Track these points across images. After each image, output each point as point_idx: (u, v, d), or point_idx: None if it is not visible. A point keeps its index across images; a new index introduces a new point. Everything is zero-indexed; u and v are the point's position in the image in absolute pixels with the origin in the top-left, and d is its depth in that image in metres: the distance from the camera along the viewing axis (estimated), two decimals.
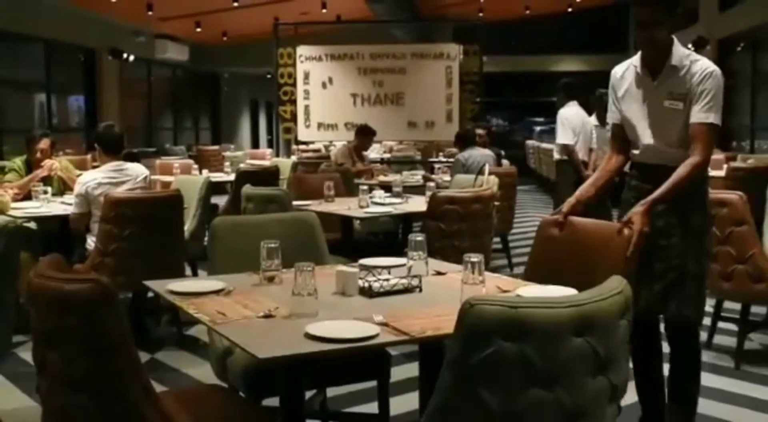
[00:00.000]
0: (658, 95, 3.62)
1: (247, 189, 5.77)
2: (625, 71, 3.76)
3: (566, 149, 7.60)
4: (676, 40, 3.60)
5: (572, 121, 7.65)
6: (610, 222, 3.47)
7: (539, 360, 1.92)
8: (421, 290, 2.94)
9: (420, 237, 3.21)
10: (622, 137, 3.79)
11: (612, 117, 3.85)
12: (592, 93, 8.09)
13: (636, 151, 3.73)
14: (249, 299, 2.81)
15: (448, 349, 1.98)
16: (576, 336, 1.96)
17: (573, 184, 7.22)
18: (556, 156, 7.88)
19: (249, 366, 3.12)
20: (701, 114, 3.51)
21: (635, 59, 3.72)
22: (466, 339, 1.94)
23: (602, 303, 2.01)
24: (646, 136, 3.67)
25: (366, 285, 2.90)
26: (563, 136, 7.63)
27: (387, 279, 2.93)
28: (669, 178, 3.45)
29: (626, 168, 3.92)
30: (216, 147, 18.12)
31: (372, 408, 3.89)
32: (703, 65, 3.56)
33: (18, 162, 6.74)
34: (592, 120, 7.89)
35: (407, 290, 2.92)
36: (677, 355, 3.77)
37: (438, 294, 2.93)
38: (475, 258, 2.67)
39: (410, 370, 4.14)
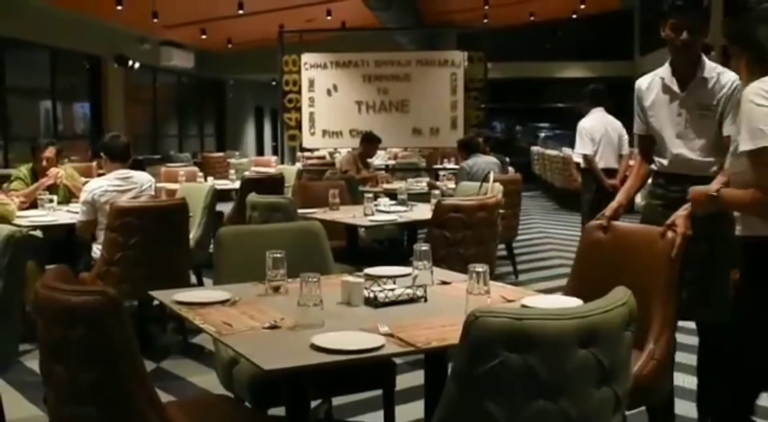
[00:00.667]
0: (687, 105, 3.70)
1: (252, 197, 5.79)
2: (651, 83, 3.85)
3: (585, 159, 7.63)
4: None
5: (591, 130, 7.65)
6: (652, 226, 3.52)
7: (544, 371, 1.93)
8: (426, 300, 2.94)
9: (425, 247, 3.22)
10: (648, 147, 3.87)
11: (638, 128, 3.93)
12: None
13: (663, 161, 3.80)
14: (255, 309, 2.82)
15: (454, 361, 1.99)
16: (581, 348, 1.97)
17: (594, 193, 7.28)
18: (581, 165, 7.90)
19: (255, 376, 3.12)
20: (734, 127, 3.57)
21: (661, 71, 3.80)
22: (471, 350, 1.95)
23: (607, 314, 2.02)
24: (674, 146, 3.74)
25: (371, 295, 2.90)
26: (581, 146, 7.66)
27: (392, 289, 2.94)
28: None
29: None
30: (221, 154, 18.15)
31: (377, 417, 3.89)
32: (730, 77, 3.65)
33: (24, 170, 6.76)
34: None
35: (412, 300, 2.93)
36: (706, 359, 3.90)
37: (443, 304, 2.94)
38: (480, 268, 2.68)
39: (416, 378, 4.13)
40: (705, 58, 3.70)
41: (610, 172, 7.52)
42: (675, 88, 3.72)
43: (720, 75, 3.66)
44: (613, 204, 3.76)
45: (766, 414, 4.39)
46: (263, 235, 3.82)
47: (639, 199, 10.10)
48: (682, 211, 3.40)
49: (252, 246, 3.65)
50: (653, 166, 3.89)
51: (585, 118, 7.80)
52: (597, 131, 7.64)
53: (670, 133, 3.75)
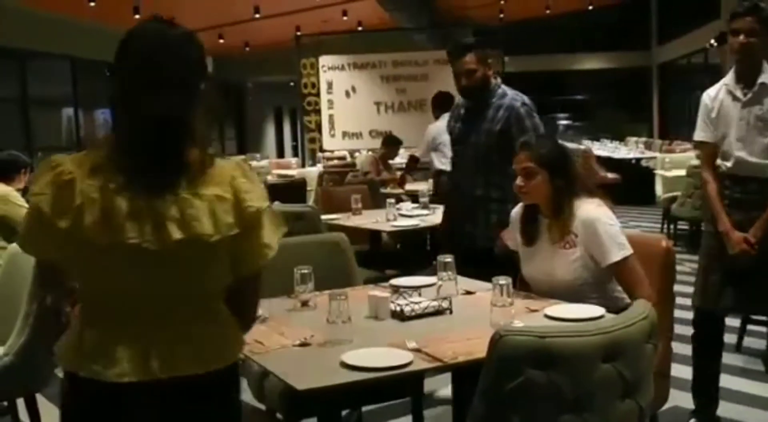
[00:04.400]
0: (748, 110, 3.83)
1: (277, 206, 5.85)
2: (718, 91, 3.98)
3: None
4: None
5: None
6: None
7: (568, 386, 1.99)
8: (451, 312, 3.00)
9: (449, 259, 3.27)
10: (714, 155, 3.96)
11: (705, 136, 3.99)
12: None
13: (728, 163, 3.93)
14: (285, 326, 2.88)
15: (480, 379, 2.05)
16: (603, 363, 2.03)
17: None
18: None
19: (286, 389, 3.19)
20: None
21: (726, 79, 3.94)
22: (496, 369, 2.01)
23: (629, 329, 2.08)
24: (736, 148, 3.87)
25: (398, 308, 2.95)
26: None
27: (418, 303, 2.98)
28: None
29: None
30: (242, 157, 18.24)
31: None
32: None
33: None
34: None
35: (438, 312, 2.98)
36: None
37: (468, 315, 2.99)
38: (504, 280, 2.74)
39: (443, 382, 4.20)
40: (767, 64, 3.83)
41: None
42: (738, 93, 3.87)
43: None
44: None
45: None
46: (289, 248, 3.88)
47: (659, 192, 10.12)
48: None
49: (278, 259, 3.72)
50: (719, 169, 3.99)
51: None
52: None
53: (732, 136, 3.87)
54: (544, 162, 3.26)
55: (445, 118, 6.89)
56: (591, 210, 3.23)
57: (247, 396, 3.76)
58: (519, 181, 3.32)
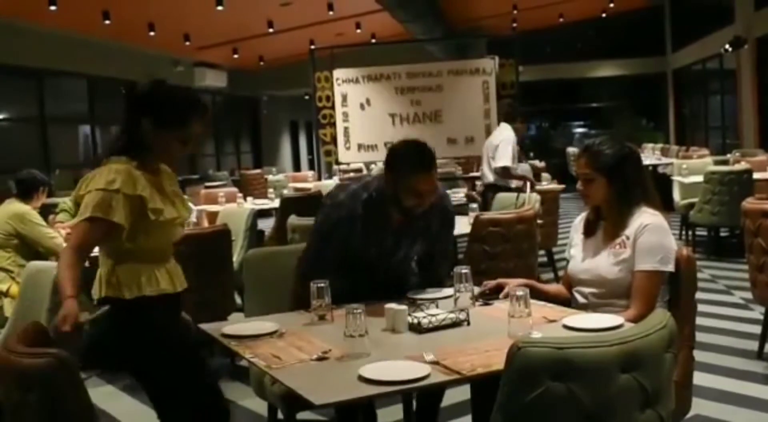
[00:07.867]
0: None
1: (293, 220, 5.87)
2: None
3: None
4: None
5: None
6: None
7: (587, 398, 1.97)
8: (469, 323, 2.98)
9: (465, 270, 3.26)
10: None
11: None
12: None
13: None
14: (302, 340, 2.87)
15: (499, 391, 2.03)
16: (622, 373, 2.01)
17: None
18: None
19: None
20: None
21: None
22: (515, 381, 2.00)
23: (648, 338, 2.06)
24: None
25: (415, 321, 2.94)
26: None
27: (435, 315, 2.97)
28: None
29: None
30: (258, 170, 18.29)
31: None
32: None
33: (69, 202, 6.89)
34: None
35: (455, 324, 2.96)
36: None
37: (486, 326, 2.97)
38: (521, 292, 2.73)
39: (462, 393, 4.18)
40: None
41: None
42: None
43: None
44: None
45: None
46: (285, 256, 3.94)
47: (677, 198, 10.07)
48: None
49: (276, 267, 3.83)
50: None
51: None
52: None
53: None
54: (601, 168, 3.34)
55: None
56: (647, 218, 3.30)
57: (265, 409, 3.77)
58: (579, 185, 3.43)
